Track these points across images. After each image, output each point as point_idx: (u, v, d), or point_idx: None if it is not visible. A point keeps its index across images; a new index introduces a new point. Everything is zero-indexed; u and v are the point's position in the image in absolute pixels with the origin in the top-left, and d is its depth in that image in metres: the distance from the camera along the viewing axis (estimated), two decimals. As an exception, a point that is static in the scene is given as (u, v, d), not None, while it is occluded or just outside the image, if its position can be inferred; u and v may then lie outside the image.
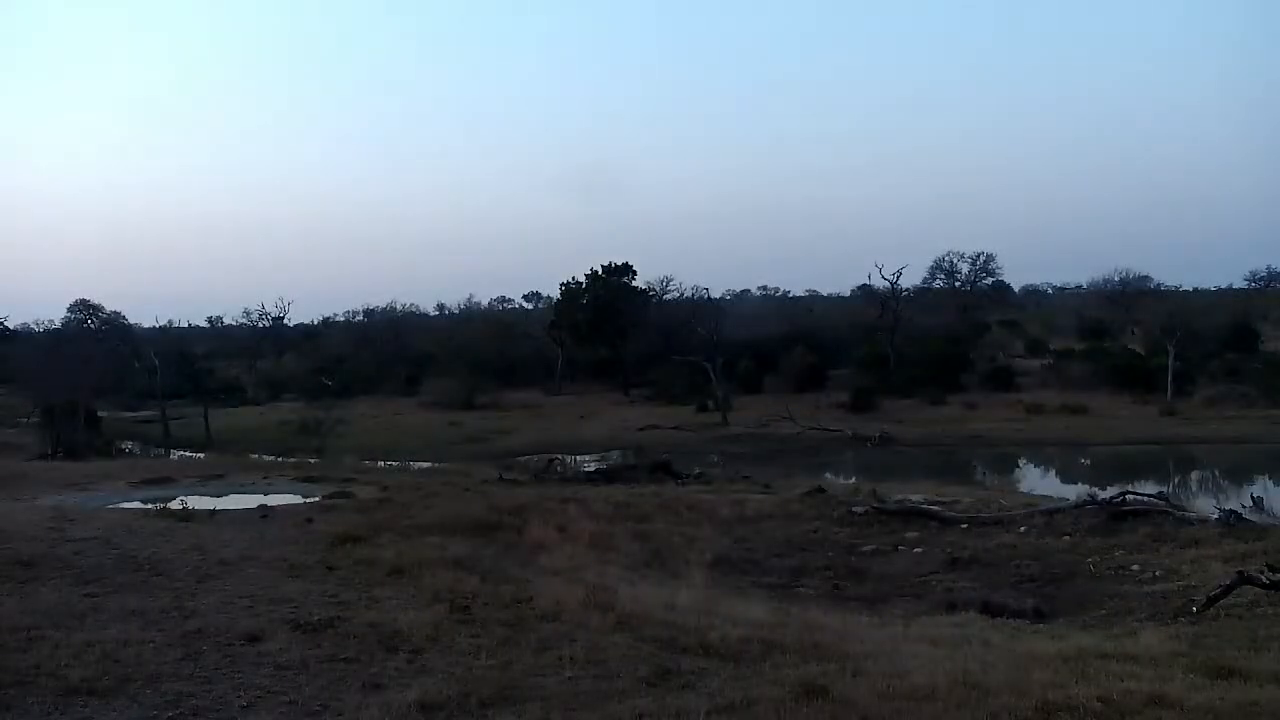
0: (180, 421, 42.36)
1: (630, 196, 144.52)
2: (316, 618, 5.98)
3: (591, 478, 19.49)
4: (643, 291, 59.13)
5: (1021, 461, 31.91)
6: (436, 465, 26.23)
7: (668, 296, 65.71)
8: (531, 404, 50.96)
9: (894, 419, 38.20)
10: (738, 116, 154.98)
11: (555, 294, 61.29)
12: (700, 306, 57.11)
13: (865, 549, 11.80)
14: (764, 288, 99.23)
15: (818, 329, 57.00)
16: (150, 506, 12.26)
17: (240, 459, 24.80)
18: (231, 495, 15.42)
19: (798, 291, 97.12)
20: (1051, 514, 12.41)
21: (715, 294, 69.08)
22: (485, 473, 21.16)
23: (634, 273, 57.03)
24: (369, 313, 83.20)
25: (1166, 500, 12.30)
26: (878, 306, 52.63)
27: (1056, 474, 28.96)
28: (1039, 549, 11.01)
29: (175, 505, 12.03)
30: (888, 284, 52.04)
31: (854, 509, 13.62)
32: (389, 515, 12.04)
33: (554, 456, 24.56)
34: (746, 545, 12.15)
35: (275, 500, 14.14)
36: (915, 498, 14.71)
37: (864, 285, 63.48)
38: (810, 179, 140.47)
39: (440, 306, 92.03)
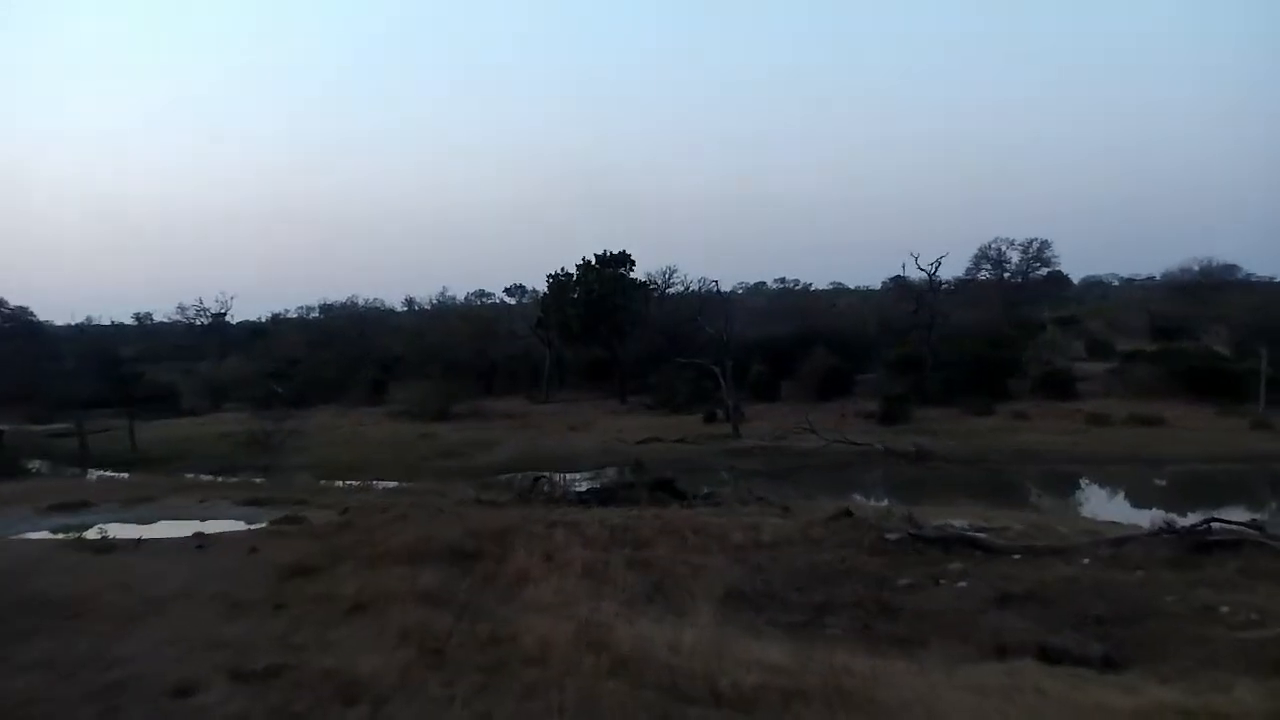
0: (102, 435, 42.21)
1: (627, 178, 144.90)
2: (262, 665, 5.90)
3: (584, 498, 19.35)
4: (642, 284, 59.17)
5: (1082, 481, 31.76)
6: (406, 484, 26.15)
7: (671, 290, 65.77)
8: (515, 413, 50.89)
9: (931, 431, 38.16)
10: (748, 90, 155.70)
11: (541, 287, 61.42)
12: (708, 301, 57.10)
13: (900, 582, 11.69)
14: (781, 280, 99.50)
15: (843, 327, 57.10)
16: (63, 536, 12.18)
17: (173, 479, 24.64)
18: (162, 522, 15.30)
19: (820, 284, 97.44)
20: (1120, 543, 12.28)
21: (725, 287, 69.08)
22: (462, 492, 21.05)
23: (632, 263, 57.11)
24: (327, 309, 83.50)
25: (1261, 529, 11.87)
26: (912, 301, 52.62)
27: (1125, 496, 28.82)
28: (1106, 584, 10.88)
29: (93, 534, 11.95)
30: (924, 275, 52.01)
31: (887, 535, 13.51)
32: (349, 542, 11.93)
33: (541, 474, 24.43)
34: (762, 576, 12.02)
35: (214, 526, 14.03)
36: (958, 523, 14.60)
37: (896, 277, 63.46)
38: (835, 158, 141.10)
39: (409, 302, 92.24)
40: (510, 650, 6.53)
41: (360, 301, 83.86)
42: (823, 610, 10.73)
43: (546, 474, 25.24)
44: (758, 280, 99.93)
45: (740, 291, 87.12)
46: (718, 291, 57.88)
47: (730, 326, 47.97)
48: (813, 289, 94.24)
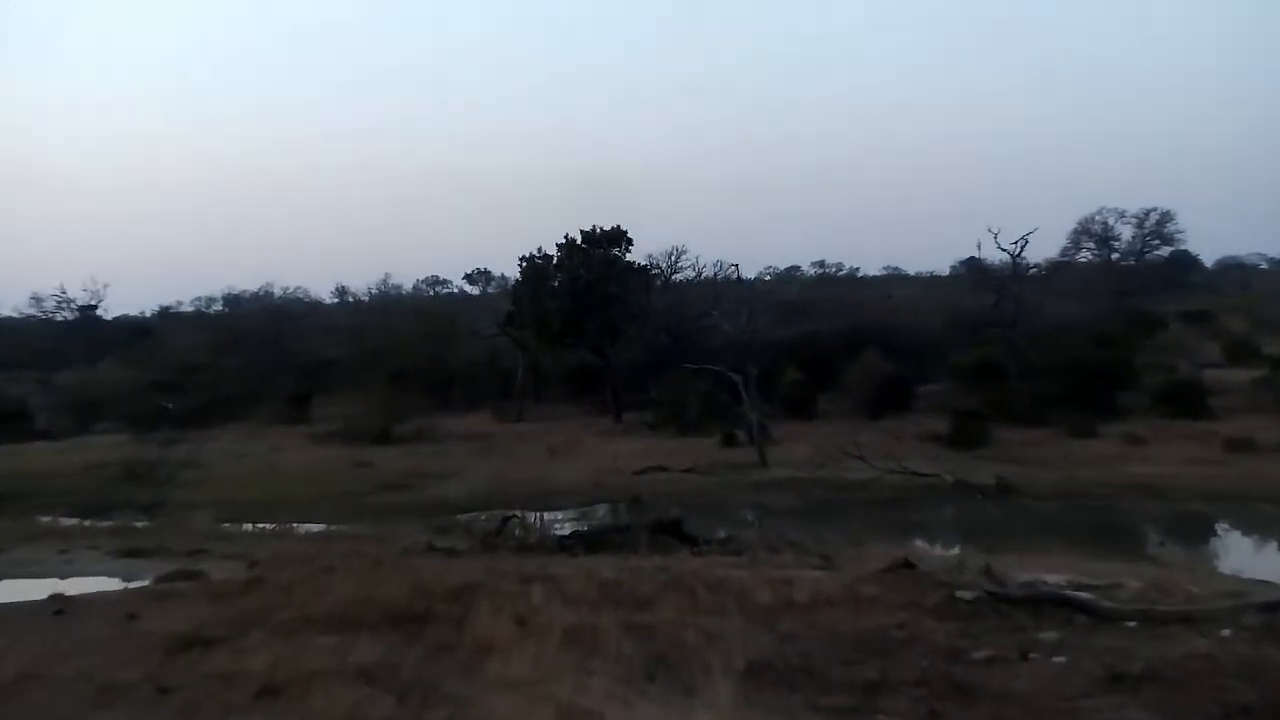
0: (-77, 466, 42.19)
1: (624, 136, 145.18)
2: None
3: (567, 544, 19.25)
4: (642, 269, 59.32)
5: (1220, 525, 31.58)
6: (336, 527, 26.05)
7: (679, 277, 65.89)
8: (479, 434, 50.92)
9: (1017, 458, 38.11)
10: (779, 32, 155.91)
11: (512, 273, 61.53)
12: (726, 290, 57.09)
13: (977, 656, 11.56)
14: (820, 264, 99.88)
15: (900, 324, 57.21)
16: None
17: (22, 523, 24.28)
18: (5, 581, 15.18)
19: (870, 269, 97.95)
20: (1273, 609, 12.18)
21: (748, 272, 69.16)
22: (409, 537, 20.94)
23: (629, 241, 57.20)
24: (232, 300, 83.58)
25: None
26: (990, 290, 52.70)
27: (1279, 546, 28.76)
28: (1255, 664, 10.72)
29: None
30: (1005, 257, 52.04)
31: (959, 594, 13.42)
32: (260, 604, 11.81)
33: (511, 513, 24.32)
34: (797, 646, 11.89)
35: (79, 586, 13.88)
36: (1052, 578, 14.50)
37: (969, 260, 63.79)
38: (887, 108, 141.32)
39: (341, 292, 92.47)
40: (469, 745, 6.45)
41: (277, 291, 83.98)
42: (875, 691, 10.61)
43: (519, 513, 25.17)
44: (790, 264, 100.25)
45: (768, 278, 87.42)
46: (738, 278, 57.86)
47: (755, 323, 48.01)
48: (861, 275, 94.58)
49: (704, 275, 66.00)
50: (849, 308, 62.11)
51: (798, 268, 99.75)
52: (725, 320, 47.79)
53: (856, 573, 15.31)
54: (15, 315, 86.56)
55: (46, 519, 28.06)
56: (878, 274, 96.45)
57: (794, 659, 11.36)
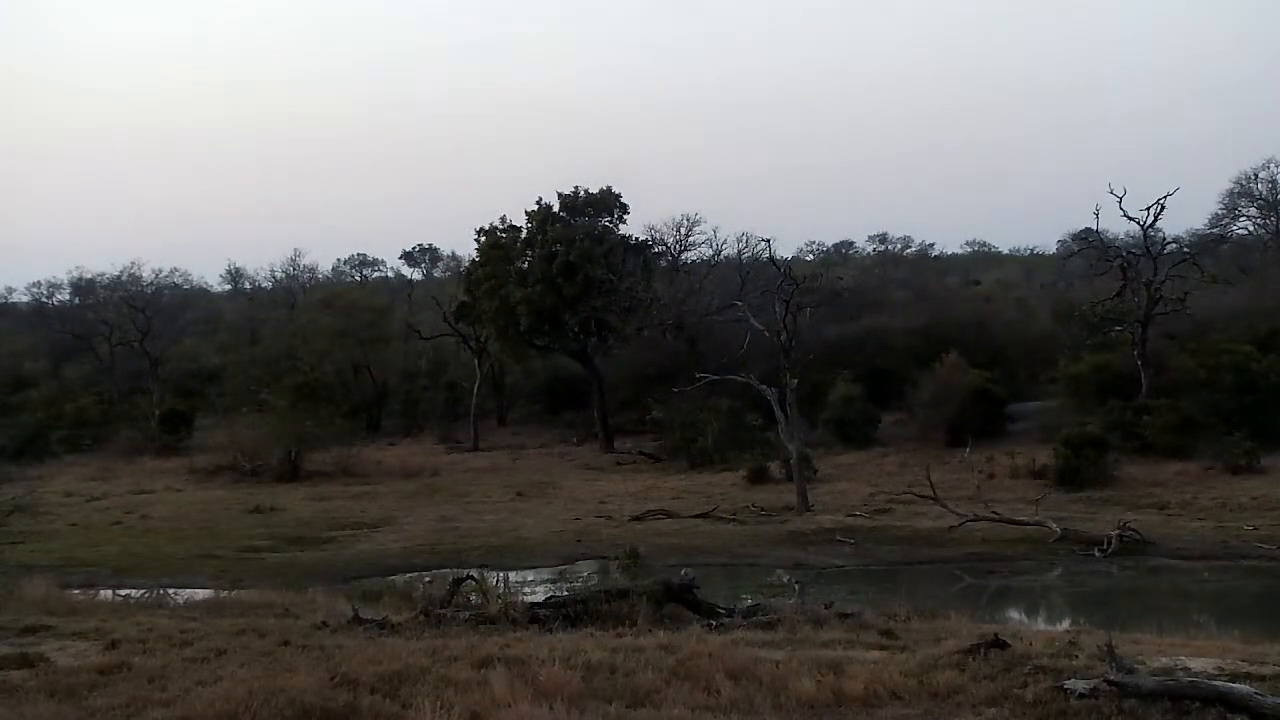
0: None
1: (625, 80, 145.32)
2: None
3: (540, 616, 19.24)
4: (641, 245, 59.35)
5: None
6: (226, 594, 26.07)
7: (691, 256, 65.90)
8: (419, 468, 51.02)
9: (1150, 502, 38.04)
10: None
11: (465, 251, 61.80)
12: (755, 274, 57.16)
13: (1094, 770, 11.67)
14: (880, 239, 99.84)
15: (989, 319, 57.33)
16: None
17: None
18: None
19: (949, 245, 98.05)
20: None
21: (784, 250, 69.33)
22: (326, 607, 20.95)
23: (623, 208, 57.40)
24: (84, 287, 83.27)
25: None
26: (1115, 273, 52.55)
27: None
28: None
29: None
30: (1135, 228, 51.93)
31: (1069, 684, 13.49)
32: (120, 700, 11.83)
33: (465, 574, 24.32)
34: (850, 757, 12.02)
35: None
36: (1198, 664, 14.58)
37: (1084, 233, 63.52)
38: (976, 43, 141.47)
39: (233, 274, 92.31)
40: None
41: (145, 274, 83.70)
42: (958, 816, 10.71)
43: (475, 573, 25.13)
44: (841, 239, 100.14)
45: (811, 258, 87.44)
46: (771, 258, 57.92)
47: (795, 318, 48.08)
48: (936, 253, 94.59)
49: (725, 254, 66.10)
50: (921, 297, 62.35)
51: (851, 244, 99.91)
52: (754, 314, 47.76)
53: (930, 654, 15.34)
54: None
55: None
56: (959, 252, 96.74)
57: (846, 772, 11.43)
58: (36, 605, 20.50)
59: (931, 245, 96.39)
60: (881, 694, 13.62)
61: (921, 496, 36.29)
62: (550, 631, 17.60)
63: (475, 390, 59.46)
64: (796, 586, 28.79)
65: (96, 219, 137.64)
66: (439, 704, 11.63)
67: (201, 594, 26.50)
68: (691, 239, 66.47)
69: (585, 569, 32.83)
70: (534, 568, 32.71)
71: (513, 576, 30.65)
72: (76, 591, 24.85)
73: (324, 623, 18.43)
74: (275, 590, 24.90)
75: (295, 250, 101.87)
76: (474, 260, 59.19)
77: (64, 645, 15.44)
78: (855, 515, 37.49)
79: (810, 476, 40.79)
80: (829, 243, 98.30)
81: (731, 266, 62.02)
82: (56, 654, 14.79)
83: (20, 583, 24.20)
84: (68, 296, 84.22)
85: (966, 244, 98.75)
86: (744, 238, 66.13)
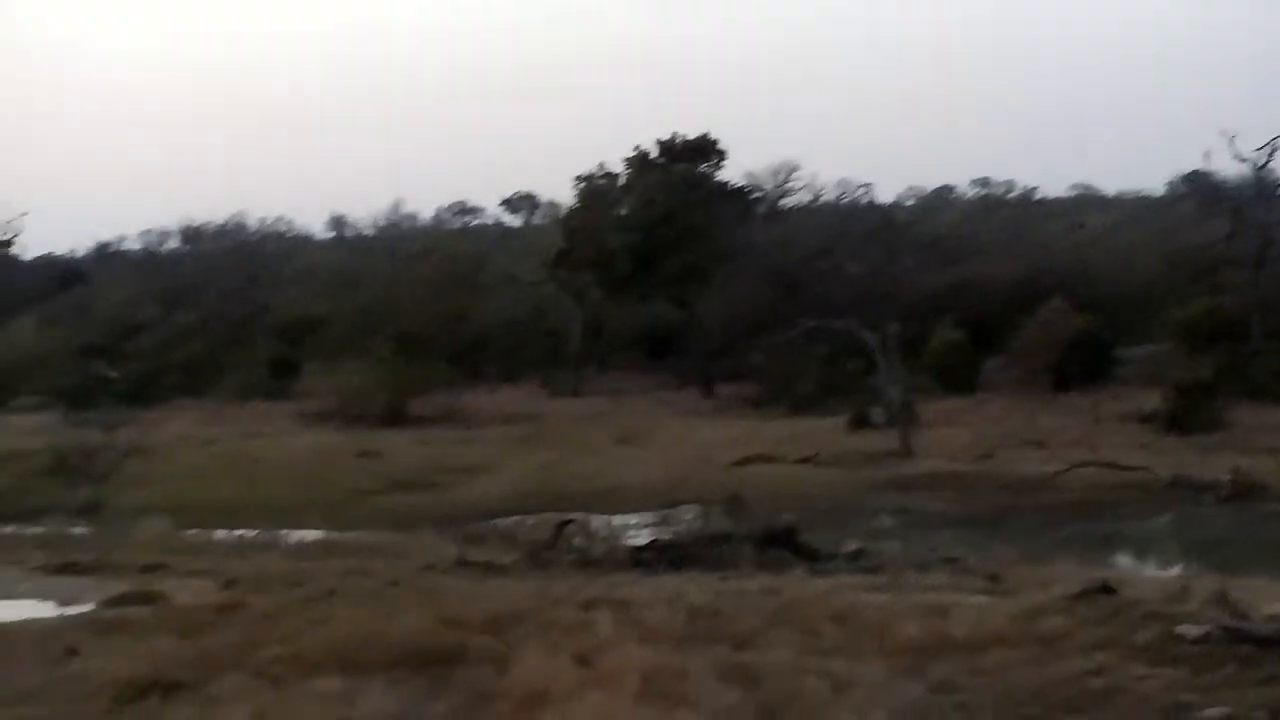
0: None
1: (719, 18, 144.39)
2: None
3: (643, 559, 19.35)
4: (739, 191, 59.04)
5: None
6: (335, 537, 26.44)
7: (789, 202, 65.40)
8: (521, 414, 51.26)
9: (1261, 446, 37.36)
10: None
11: (565, 199, 61.71)
12: (855, 220, 56.77)
13: (1209, 715, 11.49)
14: (983, 183, 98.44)
15: (1096, 264, 56.37)
16: None
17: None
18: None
19: (1053, 189, 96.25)
20: None
21: (884, 195, 68.59)
22: (432, 550, 21.15)
23: (721, 155, 57.08)
24: (192, 235, 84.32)
25: None
26: (1224, 216, 51.57)
27: None
28: None
29: None
30: (1247, 170, 50.83)
31: (1181, 630, 13.29)
32: (238, 638, 12.04)
33: (568, 517, 24.41)
34: (956, 700, 11.91)
35: (1, 612, 14.31)
36: (1315, 609, 14.30)
37: (1192, 175, 62.41)
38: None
39: (336, 223, 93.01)
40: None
41: (251, 223, 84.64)
42: (1066, 761, 10.59)
43: (578, 517, 25.21)
44: (941, 184, 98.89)
45: (911, 203, 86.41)
46: (871, 203, 57.56)
47: (895, 264, 47.77)
48: (1041, 197, 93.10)
49: (823, 200, 65.54)
50: (1024, 243, 61.45)
51: (952, 189, 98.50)
52: (854, 261, 47.45)
53: (1036, 600, 15.19)
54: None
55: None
56: (1064, 195, 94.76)
57: (951, 716, 11.33)
58: (154, 545, 20.98)
59: (1035, 189, 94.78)
60: (987, 639, 13.51)
61: (1027, 443, 36.01)
62: (653, 575, 17.66)
63: (575, 337, 59.57)
64: (899, 532, 28.83)
65: (204, 168, 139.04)
66: (545, 645, 11.70)
67: (311, 536, 26.89)
68: (790, 185, 66.03)
69: (687, 513, 32.76)
70: (636, 512, 32.71)
71: (615, 521, 30.62)
72: (192, 532, 25.32)
73: (431, 565, 18.65)
74: (383, 533, 25.24)
75: (396, 199, 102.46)
76: (573, 207, 59.24)
77: (182, 584, 15.75)
78: (958, 461, 37.17)
79: (912, 422, 40.47)
80: (929, 187, 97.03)
81: (830, 212, 61.55)
82: (175, 592, 15.06)
83: (139, 523, 24.76)
84: (177, 244, 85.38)
85: (1071, 187, 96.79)
86: (843, 183, 65.70)
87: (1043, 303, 48.74)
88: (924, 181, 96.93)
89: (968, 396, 46.83)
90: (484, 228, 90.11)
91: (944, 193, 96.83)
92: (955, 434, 40.16)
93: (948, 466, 36.67)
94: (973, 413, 43.50)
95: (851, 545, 21.77)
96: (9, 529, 27.56)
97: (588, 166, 57.31)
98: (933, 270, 53.83)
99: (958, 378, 48.07)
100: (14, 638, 12.27)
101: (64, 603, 15.17)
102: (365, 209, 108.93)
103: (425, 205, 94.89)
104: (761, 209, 62.76)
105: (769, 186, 65.33)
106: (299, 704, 9.16)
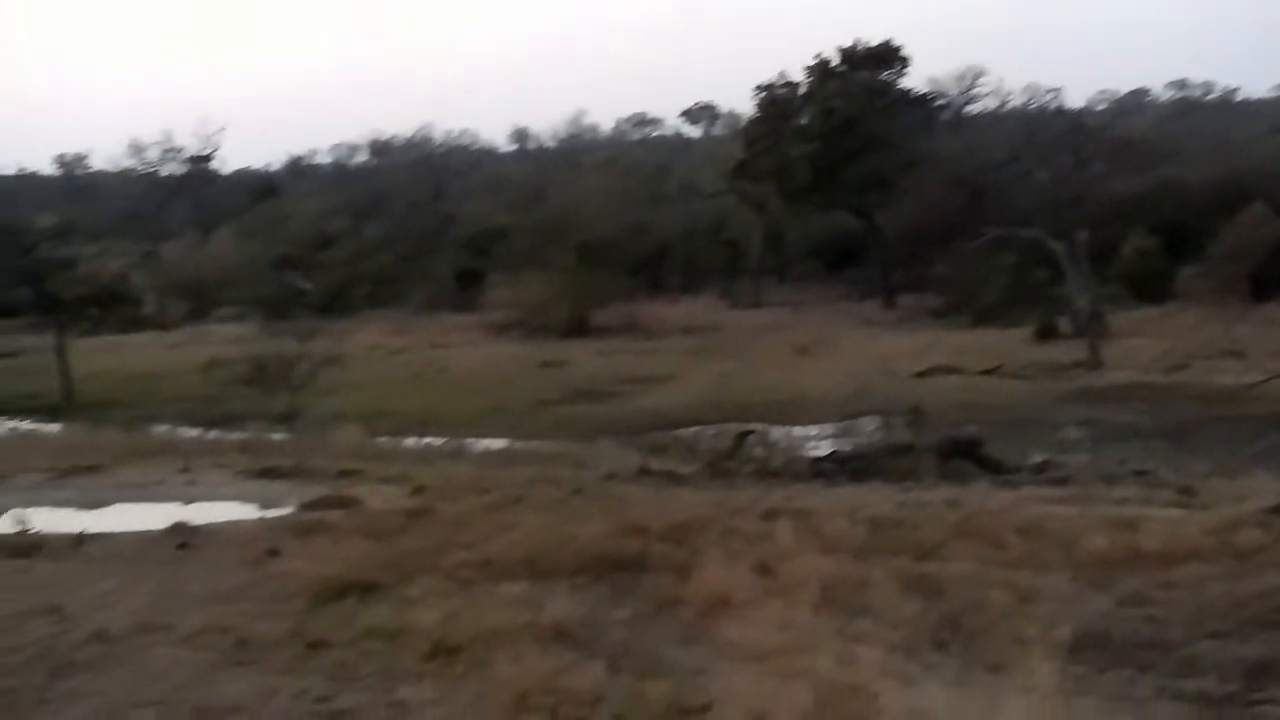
0: (10, 362, 45.44)
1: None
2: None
3: (823, 470, 19.34)
4: (922, 99, 58.13)
5: None
6: (520, 446, 26.83)
7: (974, 109, 64.27)
8: (700, 325, 51.39)
9: None
10: None
11: (744, 109, 61.23)
12: (1042, 126, 55.49)
13: None
14: (1180, 85, 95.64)
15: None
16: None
17: (132, 435, 26.09)
18: (117, 506, 16.23)
19: (1256, 89, 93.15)
20: None
21: (1072, 100, 66.86)
22: (615, 459, 21.36)
23: (904, 62, 56.17)
24: (380, 148, 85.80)
25: None
26: None
27: None
28: None
29: (4, 526, 12.74)
30: None
31: (1382, 545, 12.90)
32: (429, 542, 12.33)
33: (748, 428, 24.47)
34: (1146, 613, 11.69)
35: (204, 514, 14.73)
36: None
37: None
38: None
39: (519, 136, 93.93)
40: (699, 731, 6.56)
41: (437, 137, 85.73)
42: (1260, 675, 10.33)
43: (758, 428, 25.27)
44: (1135, 87, 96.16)
45: (1101, 107, 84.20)
46: (1060, 109, 56.19)
47: (1085, 170, 46.61)
48: (1241, 99, 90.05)
49: (1010, 106, 64.26)
50: (1222, 147, 59.49)
51: (1146, 92, 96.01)
52: (1042, 167, 46.44)
53: (1231, 513, 14.84)
54: (109, 169, 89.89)
55: (162, 430, 29.93)
56: (1266, 96, 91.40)
57: (1142, 629, 11.11)
58: (348, 451, 21.51)
59: (1235, 90, 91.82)
60: (1179, 552, 13.23)
61: (1223, 354, 35.13)
62: (833, 486, 17.62)
63: (754, 248, 59.36)
64: (1087, 444, 28.33)
65: (391, 82, 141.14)
66: (726, 554, 11.76)
67: (497, 444, 27.34)
68: (975, 91, 65.24)
69: (868, 424, 32.66)
70: (816, 423, 32.64)
71: (795, 431, 30.64)
72: (383, 439, 25.88)
73: (612, 474, 18.81)
74: (566, 442, 25.55)
75: (577, 110, 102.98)
76: (753, 117, 58.81)
77: (374, 489, 16.13)
78: (1150, 372, 36.38)
79: (1101, 332, 39.70)
80: (1122, 90, 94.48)
81: (1017, 118, 60.27)
82: (368, 497, 15.44)
83: (333, 430, 25.46)
84: (365, 158, 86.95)
85: (1273, 88, 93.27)
86: (1031, 88, 64.36)
87: (1242, 208, 47.35)
88: (1117, 85, 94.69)
89: (1161, 306, 45.69)
90: (664, 139, 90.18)
91: (1138, 96, 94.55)
92: (1147, 344, 39.27)
93: (1139, 378, 35.93)
94: (1166, 322, 42.41)
95: (1037, 457, 21.51)
96: (213, 434, 28.47)
97: (768, 76, 56.86)
98: (1125, 176, 52.49)
99: (1150, 287, 46.96)
100: (220, 539, 12.68)
101: (264, 506, 15.62)
102: (546, 121, 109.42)
103: (605, 117, 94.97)
104: (946, 116, 61.83)
105: (953, 93, 64.75)
106: (487, 608, 9.32)
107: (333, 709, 6.87)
